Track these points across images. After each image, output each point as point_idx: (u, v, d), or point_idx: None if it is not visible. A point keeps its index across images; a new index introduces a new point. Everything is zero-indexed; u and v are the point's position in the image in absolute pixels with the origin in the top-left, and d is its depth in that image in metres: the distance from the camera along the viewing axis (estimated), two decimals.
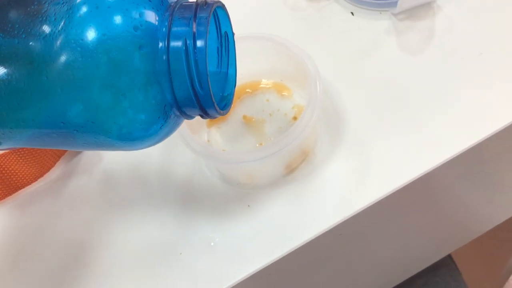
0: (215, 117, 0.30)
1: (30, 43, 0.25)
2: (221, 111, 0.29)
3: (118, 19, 0.25)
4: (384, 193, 0.37)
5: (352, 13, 0.46)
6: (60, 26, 0.25)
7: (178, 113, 0.29)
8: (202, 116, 0.29)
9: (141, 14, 0.25)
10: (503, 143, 0.42)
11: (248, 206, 0.39)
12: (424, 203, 0.45)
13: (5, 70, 0.25)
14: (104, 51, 0.24)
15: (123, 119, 0.26)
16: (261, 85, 0.44)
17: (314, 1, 0.48)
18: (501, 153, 0.44)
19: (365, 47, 0.45)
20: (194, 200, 0.40)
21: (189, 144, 0.37)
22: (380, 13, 0.46)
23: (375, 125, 0.40)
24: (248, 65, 0.40)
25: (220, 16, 0.31)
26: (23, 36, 0.25)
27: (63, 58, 0.24)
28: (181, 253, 0.38)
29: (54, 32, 0.25)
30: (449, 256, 0.67)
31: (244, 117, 0.42)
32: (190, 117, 0.29)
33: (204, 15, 0.27)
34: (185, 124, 0.37)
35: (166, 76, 0.26)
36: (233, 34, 0.33)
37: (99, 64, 0.25)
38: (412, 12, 0.45)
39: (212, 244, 0.38)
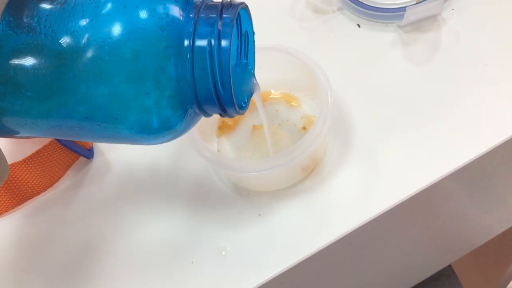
0: (233, 116, 0.30)
1: (57, 39, 0.25)
2: (240, 111, 0.30)
3: (145, 19, 0.25)
4: (392, 203, 0.38)
5: (358, 25, 0.47)
6: (87, 24, 0.25)
7: (197, 111, 0.29)
8: (220, 115, 0.30)
9: (167, 15, 0.26)
10: (508, 154, 0.42)
11: (259, 215, 0.39)
12: (429, 213, 0.45)
13: (31, 64, 0.25)
14: (130, 51, 0.25)
15: (146, 117, 0.26)
16: (271, 96, 0.44)
17: (321, 13, 0.49)
18: (504, 163, 0.45)
19: (372, 58, 0.45)
20: (205, 209, 0.40)
21: (202, 153, 0.37)
22: (386, 25, 0.46)
23: (382, 135, 0.41)
24: (257, 76, 0.40)
25: (242, 15, 0.31)
26: (50, 31, 0.25)
27: (89, 55, 0.25)
28: (192, 262, 0.38)
29: (81, 29, 0.25)
30: (449, 266, 0.68)
31: (254, 126, 0.43)
32: (208, 115, 0.30)
33: (230, 16, 0.27)
34: (197, 132, 0.38)
35: (190, 75, 0.27)
36: (253, 33, 0.33)
37: (125, 63, 0.25)
38: (418, 25, 0.46)
39: (223, 253, 0.38)
